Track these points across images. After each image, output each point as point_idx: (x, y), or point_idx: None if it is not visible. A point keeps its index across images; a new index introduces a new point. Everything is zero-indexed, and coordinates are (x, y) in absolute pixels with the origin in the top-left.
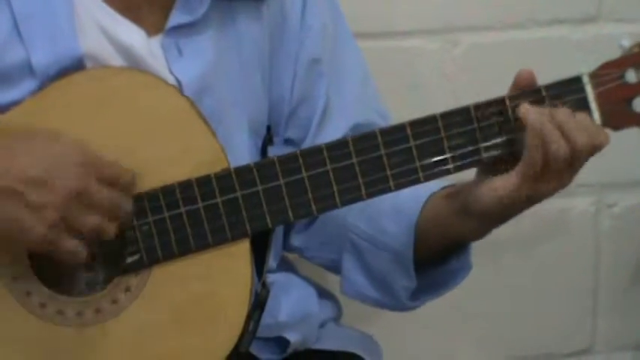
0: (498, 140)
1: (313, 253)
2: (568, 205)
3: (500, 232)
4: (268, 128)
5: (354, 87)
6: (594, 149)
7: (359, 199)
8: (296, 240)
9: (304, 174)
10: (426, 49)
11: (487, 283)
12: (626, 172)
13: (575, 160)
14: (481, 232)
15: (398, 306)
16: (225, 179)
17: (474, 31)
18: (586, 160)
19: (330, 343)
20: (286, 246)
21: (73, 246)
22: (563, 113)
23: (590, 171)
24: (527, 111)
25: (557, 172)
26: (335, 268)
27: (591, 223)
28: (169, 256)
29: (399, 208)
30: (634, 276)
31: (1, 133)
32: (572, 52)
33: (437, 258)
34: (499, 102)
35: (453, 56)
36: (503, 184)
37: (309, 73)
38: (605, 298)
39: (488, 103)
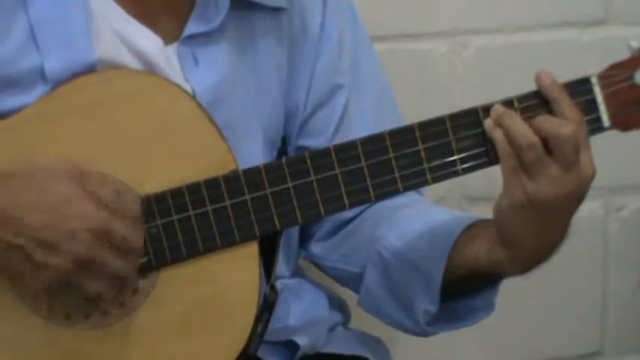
0: None
1: (332, 263)
2: None
3: None
4: (283, 140)
5: (373, 98)
6: (574, 136)
7: (367, 200)
8: (316, 247)
9: (313, 177)
10: (435, 52)
11: None
12: (635, 175)
13: (559, 152)
14: (513, 261)
15: (415, 328)
16: (234, 181)
17: (484, 33)
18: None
19: (339, 346)
20: (305, 252)
21: (68, 302)
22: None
23: (598, 174)
24: (497, 110)
25: (539, 164)
26: (351, 281)
27: (599, 227)
28: (178, 258)
29: (435, 230)
30: None
31: (4, 175)
32: (580, 55)
33: (462, 288)
34: (507, 103)
35: (462, 59)
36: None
37: (325, 84)
38: (614, 302)
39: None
